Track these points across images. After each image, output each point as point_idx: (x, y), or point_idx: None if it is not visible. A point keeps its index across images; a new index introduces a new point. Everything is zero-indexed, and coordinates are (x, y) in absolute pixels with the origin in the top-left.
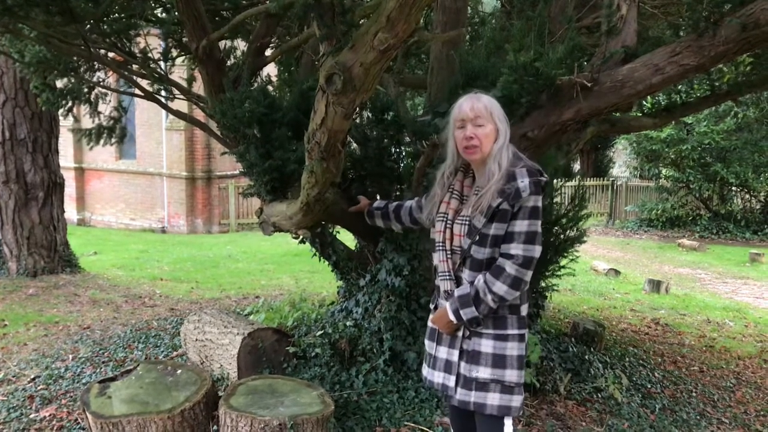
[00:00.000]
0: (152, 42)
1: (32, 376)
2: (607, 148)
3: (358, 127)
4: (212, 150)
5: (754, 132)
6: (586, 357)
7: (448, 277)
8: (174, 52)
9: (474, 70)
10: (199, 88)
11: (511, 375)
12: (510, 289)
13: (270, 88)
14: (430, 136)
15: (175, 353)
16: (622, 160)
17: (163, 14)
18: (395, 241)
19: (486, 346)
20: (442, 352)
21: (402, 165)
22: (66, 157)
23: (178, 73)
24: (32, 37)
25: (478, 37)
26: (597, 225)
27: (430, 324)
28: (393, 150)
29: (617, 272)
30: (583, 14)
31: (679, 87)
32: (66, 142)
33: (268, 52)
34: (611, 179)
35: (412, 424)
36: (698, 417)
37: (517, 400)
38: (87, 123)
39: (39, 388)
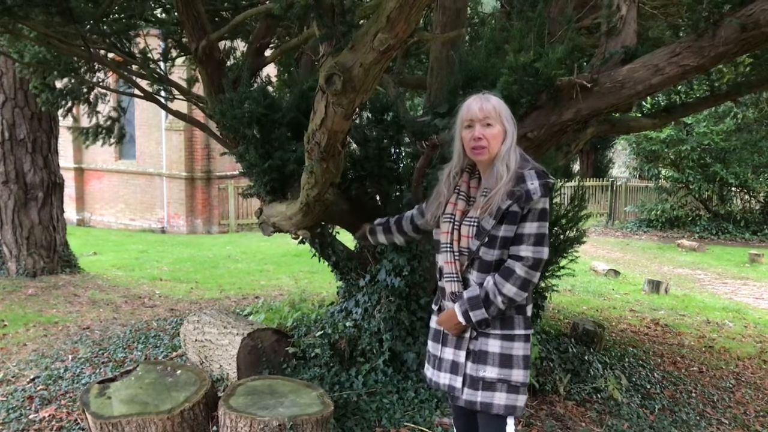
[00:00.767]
0: (152, 42)
1: (32, 377)
2: (606, 148)
3: (357, 128)
4: (212, 150)
5: (754, 132)
6: (586, 357)
7: (455, 279)
8: (174, 53)
9: (474, 70)
10: (198, 88)
11: (518, 375)
12: (519, 290)
13: (270, 88)
14: (429, 136)
15: (174, 354)
16: (621, 161)
17: (163, 15)
18: None
19: (493, 346)
20: (448, 353)
21: (401, 165)
22: (65, 158)
23: (178, 73)
24: (32, 37)
25: (477, 38)
26: (596, 225)
27: (434, 325)
28: (393, 150)
29: (617, 273)
30: (583, 15)
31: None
32: (66, 142)
33: (268, 53)
34: (611, 180)
35: (412, 425)
36: (698, 417)
37: (522, 400)
38: (86, 123)
39: (38, 388)
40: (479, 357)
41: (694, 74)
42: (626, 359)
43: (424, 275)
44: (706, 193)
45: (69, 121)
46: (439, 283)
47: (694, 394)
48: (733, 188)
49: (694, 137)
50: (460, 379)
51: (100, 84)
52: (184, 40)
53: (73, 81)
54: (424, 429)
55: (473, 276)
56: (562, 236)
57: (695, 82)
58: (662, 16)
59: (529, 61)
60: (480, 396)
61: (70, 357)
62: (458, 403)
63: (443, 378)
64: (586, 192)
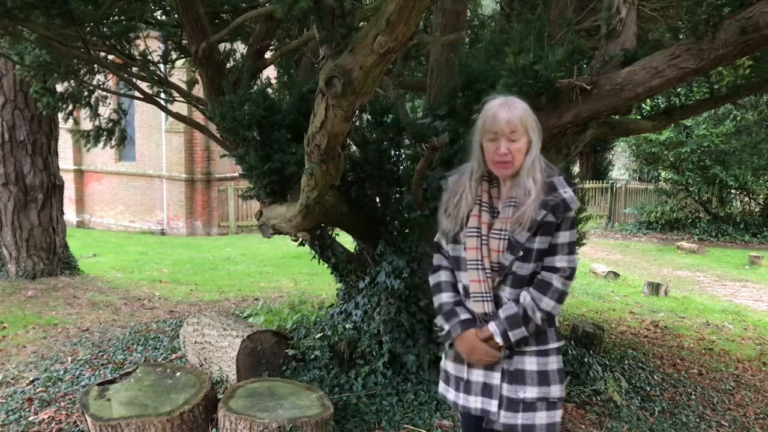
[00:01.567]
0: (152, 44)
1: (31, 379)
2: (606, 150)
3: (357, 130)
4: (212, 152)
5: (754, 135)
6: (586, 360)
7: (487, 299)
8: (174, 55)
9: (473, 73)
10: (198, 90)
11: (556, 390)
12: (557, 304)
13: (269, 90)
14: (429, 138)
15: (174, 355)
16: (621, 163)
17: (163, 17)
18: (394, 243)
19: (530, 363)
20: (478, 375)
21: (401, 167)
22: (65, 159)
23: (178, 75)
24: (32, 39)
25: (477, 40)
26: (596, 227)
27: (447, 347)
28: (392, 152)
29: (616, 275)
30: (583, 17)
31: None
32: (65, 144)
33: (268, 55)
34: (610, 182)
35: (411, 427)
36: (697, 420)
37: (559, 415)
38: (87, 125)
39: (38, 390)
40: (516, 377)
41: (693, 77)
42: (626, 361)
43: (423, 277)
44: (705, 196)
45: (69, 123)
46: (465, 304)
47: (693, 397)
48: (732, 190)
49: (693, 139)
50: (495, 402)
51: (101, 86)
52: (184, 42)
53: (73, 84)
54: (423, 431)
55: (506, 293)
56: None
57: (695, 85)
58: (662, 19)
59: (528, 63)
60: (521, 418)
61: (69, 359)
62: (494, 426)
63: (474, 402)
64: (585, 194)
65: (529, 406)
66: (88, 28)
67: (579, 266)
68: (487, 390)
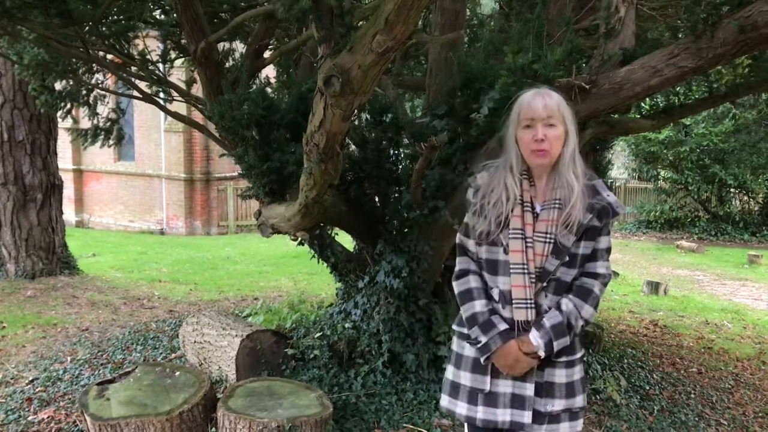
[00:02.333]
0: (151, 44)
1: (30, 378)
2: (605, 149)
3: (356, 129)
4: (211, 152)
5: (753, 134)
6: (585, 359)
7: (530, 305)
8: (172, 54)
9: (472, 72)
10: (197, 90)
11: (579, 401)
12: (594, 311)
13: (268, 90)
14: (428, 138)
15: (173, 355)
16: (620, 162)
17: (162, 16)
18: (394, 243)
19: (560, 376)
20: (506, 386)
21: (400, 167)
22: (64, 159)
23: (177, 75)
24: (31, 39)
25: (476, 39)
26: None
27: (472, 354)
28: (391, 152)
29: (616, 274)
30: (582, 16)
31: (678, 89)
32: (64, 143)
33: (267, 54)
34: (610, 181)
35: (411, 426)
36: (697, 418)
37: (581, 424)
38: (86, 125)
39: (37, 390)
40: (547, 390)
41: (692, 75)
42: (625, 360)
43: (422, 277)
44: (705, 195)
45: (68, 122)
46: (500, 312)
47: (693, 395)
48: (732, 189)
49: (692, 138)
50: (528, 413)
51: (99, 86)
52: (183, 41)
53: (72, 83)
54: (423, 430)
55: (547, 300)
56: None
57: (694, 84)
58: (661, 18)
59: (527, 62)
60: (545, 430)
61: (68, 358)
62: None
63: (502, 414)
64: None
65: (554, 418)
66: (87, 28)
67: None
68: (518, 402)
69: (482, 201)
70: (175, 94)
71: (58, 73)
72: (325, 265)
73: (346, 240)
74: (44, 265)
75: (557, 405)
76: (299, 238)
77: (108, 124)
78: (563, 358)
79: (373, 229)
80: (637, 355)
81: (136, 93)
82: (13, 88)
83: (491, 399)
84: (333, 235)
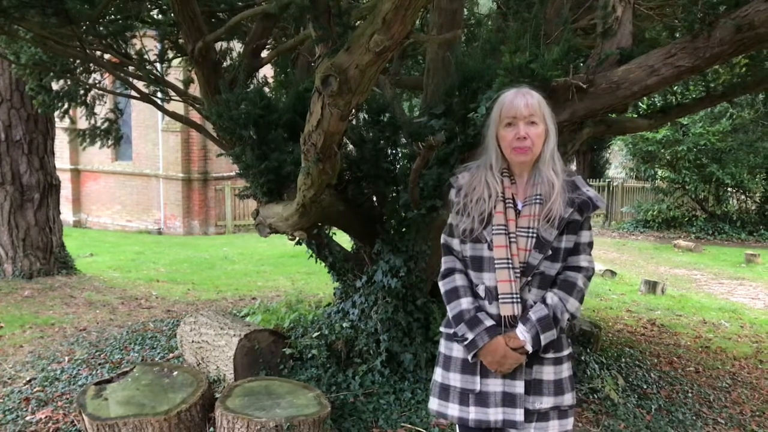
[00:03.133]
0: (148, 43)
1: (28, 378)
2: (603, 149)
3: (354, 129)
4: (208, 151)
5: (750, 133)
6: (583, 358)
7: (516, 300)
8: (170, 54)
9: (470, 71)
10: (195, 89)
11: (568, 399)
12: (580, 305)
13: (266, 89)
14: (426, 137)
15: (171, 355)
16: (618, 161)
17: (159, 16)
18: (392, 242)
19: (548, 373)
20: (496, 385)
21: (398, 166)
22: (62, 159)
23: (174, 74)
24: (28, 38)
25: (474, 39)
26: (593, 226)
27: (460, 355)
28: (389, 151)
29: (613, 273)
30: (579, 16)
31: (675, 88)
32: (62, 143)
33: (265, 54)
34: (607, 180)
35: (409, 425)
36: (694, 417)
37: (571, 423)
38: (83, 125)
39: (35, 390)
40: (535, 388)
41: (689, 75)
42: (623, 359)
43: (420, 276)
44: (702, 194)
45: (66, 122)
46: (486, 309)
47: (690, 394)
48: (729, 189)
49: (690, 138)
50: (520, 411)
51: (97, 85)
52: (180, 41)
53: (69, 83)
54: (421, 429)
55: (532, 294)
56: None
57: (691, 83)
58: (658, 17)
59: (525, 62)
60: (533, 428)
61: (66, 358)
62: None
63: (494, 414)
64: None
65: (542, 416)
66: (85, 27)
67: None
68: (509, 400)
69: (465, 200)
70: (172, 93)
71: (55, 73)
72: (323, 264)
73: (343, 239)
74: (42, 265)
75: (545, 402)
76: (297, 238)
77: (106, 124)
78: (551, 354)
79: (370, 228)
80: (634, 354)
81: (133, 93)
82: (10, 87)
83: (482, 399)
84: (331, 234)
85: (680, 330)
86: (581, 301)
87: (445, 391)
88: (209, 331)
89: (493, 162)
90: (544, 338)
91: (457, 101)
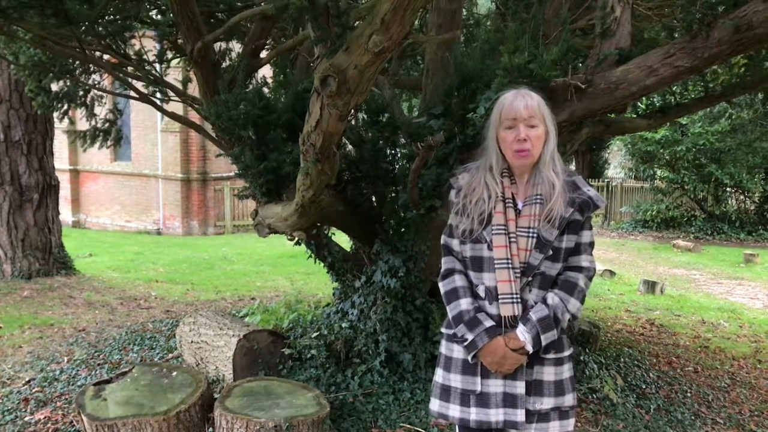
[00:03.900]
0: (147, 44)
1: (27, 379)
2: (602, 149)
3: (353, 129)
4: (207, 152)
5: (749, 133)
6: (581, 358)
7: (516, 300)
8: (169, 54)
9: (469, 71)
10: (194, 90)
11: (569, 399)
12: (581, 305)
13: (265, 90)
14: (425, 137)
15: (170, 355)
16: (617, 161)
17: (158, 16)
18: (391, 242)
19: (548, 374)
20: (497, 386)
21: (397, 167)
22: (61, 159)
23: (173, 75)
24: (27, 39)
25: (473, 39)
26: (592, 226)
27: (460, 356)
28: (388, 152)
29: (612, 273)
30: (578, 16)
31: (674, 88)
32: (61, 143)
33: (263, 54)
34: (606, 180)
35: (408, 426)
36: (693, 417)
37: (572, 424)
38: (82, 125)
39: (34, 390)
40: (536, 388)
41: (688, 75)
42: (622, 359)
43: (419, 276)
44: (701, 194)
45: (65, 123)
46: (486, 309)
47: (689, 394)
48: (728, 189)
49: (689, 138)
50: (521, 411)
51: (96, 86)
52: (179, 41)
53: (68, 83)
54: (420, 430)
55: (532, 295)
56: None
57: (690, 83)
58: (657, 18)
59: (523, 62)
60: (534, 429)
61: (65, 359)
62: None
63: (495, 414)
64: None
65: (543, 416)
66: (84, 28)
67: None
68: (510, 400)
69: (464, 200)
70: (171, 94)
71: (54, 74)
72: (322, 264)
73: (342, 240)
74: (41, 265)
75: (546, 403)
76: (296, 238)
77: (106, 125)
78: (551, 355)
79: (369, 228)
80: (633, 354)
81: (132, 93)
82: (9, 88)
83: (483, 399)
84: (330, 234)
85: (679, 330)
86: (582, 301)
87: (446, 392)
88: (208, 332)
89: (494, 163)
90: (545, 339)
91: (455, 101)
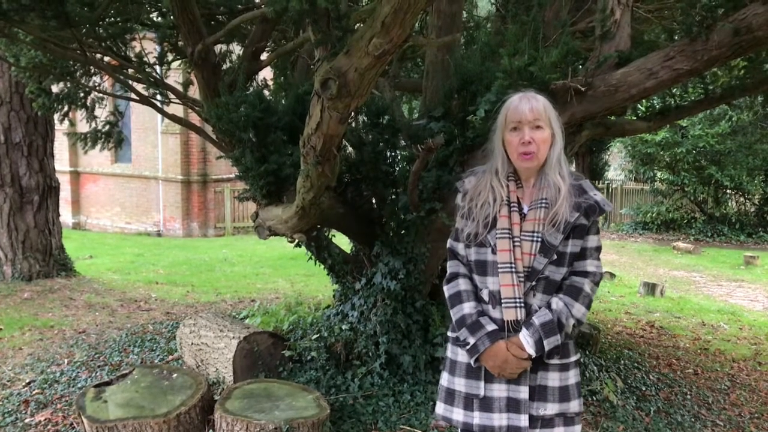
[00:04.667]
0: (148, 46)
1: (27, 381)
2: (602, 151)
3: (353, 131)
4: (208, 153)
5: (749, 135)
6: (582, 360)
7: (519, 304)
8: (169, 56)
9: (469, 74)
10: (194, 92)
11: (574, 406)
12: (587, 310)
13: (266, 92)
14: (425, 140)
15: (170, 357)
16: (617, 163)
17: (159, 18)
18: (391, 244)
19: (553, 379)
20: (500, 391)
21: (397, 169)
22: (61, 161)
23: (174, 77)
24: (28, 41)
25: (473, 42)
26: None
27: (464, 359)
28: (388, 154)
29: (612, 275)
30: (578, 18)
31: (674, 91)
32: (61, 145)
33: (264, 57)
34: (606, 182)
35: (408, 428)
36: (693, 419)
37: (578, 430)
38: (83, 127)
39: (34, 392)
40: (540, 394)
41: (687, 78)
42: (622, 361)
43: (419, 278)
44: (701, 196)
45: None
46: (490, 313)
47: (689, 396)
48: (728, 191)
49: (689, 140)
50: (524, 416)
51: (97, 88)
52: (180, 43)
53: (69, 85)
54: None
55: (536, 299)
56: None
57: (690, 86)
58: (656, 20)
59: (523, 64)
60: None
61: (65, 361)
62: None
63: (498, 419)
64: None
65: (547, 423)
66: (84, 30)
67: None
68: (513, 405)
69: (470, 204)
70: (172, 96)
71: (55, 76)
72: (322, 266)
73: (343, 242)
74: (41, 267)
75: (550, 409)
76: (296, 240)
77: (107, 127)
78: (556, 360)
79: (370, 230)
80: (633, 357)
81: (133, 95)
82: (9, 90)
83: (487, 404)
84: (330, 236)
85: (679, 332)
86: (588, 306)
87: (450, 396)
88: (209, 333)
89: (500, 166)
90: (548, 344)
91: (456, 104)
